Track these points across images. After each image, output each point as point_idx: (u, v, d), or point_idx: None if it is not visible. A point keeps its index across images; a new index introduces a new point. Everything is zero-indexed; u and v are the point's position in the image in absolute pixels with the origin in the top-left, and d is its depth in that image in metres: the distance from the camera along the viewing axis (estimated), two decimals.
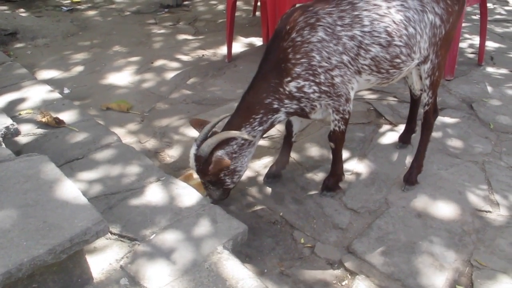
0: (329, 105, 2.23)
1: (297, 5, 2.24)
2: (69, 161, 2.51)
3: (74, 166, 2.47)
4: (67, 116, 2.90)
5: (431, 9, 2.20)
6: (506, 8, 5.81)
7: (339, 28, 2.11)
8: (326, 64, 2.11)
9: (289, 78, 2.14)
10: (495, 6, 5.86)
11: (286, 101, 2.20)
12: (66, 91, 3.67)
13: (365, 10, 2.13)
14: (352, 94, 2.25)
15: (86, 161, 2.52)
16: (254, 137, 2.25)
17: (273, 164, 2.64)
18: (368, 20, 2.12)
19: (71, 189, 1.85)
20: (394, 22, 2.13)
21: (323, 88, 2.15)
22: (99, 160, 2.52)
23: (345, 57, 2.13)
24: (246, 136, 2.20)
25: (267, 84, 2.18)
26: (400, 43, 2.15)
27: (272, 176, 2.62)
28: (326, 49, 2.10)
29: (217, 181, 2.29)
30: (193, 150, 2.23)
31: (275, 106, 2.21)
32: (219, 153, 2.19)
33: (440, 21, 2.23)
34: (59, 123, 2.80)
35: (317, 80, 2.13)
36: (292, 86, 2.15)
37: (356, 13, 2.12)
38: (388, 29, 2.12)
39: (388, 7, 2.15)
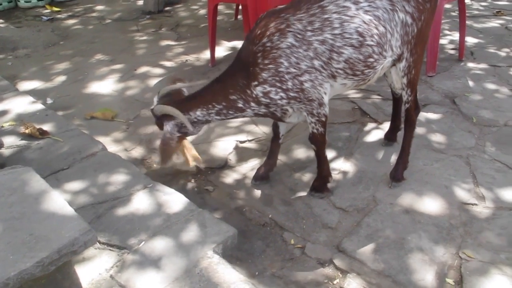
0: (301, 108, 2.24)
1: (270, 10, 2.22)
2: (54, 172, 2.49)
3: (60, 177, 2.45)
4: (51, 127, 2.87)
5: (401, 8, 2.20)
6: (483, 4, 5.89)
7: (309, 33, 2.10)
8: (294, 70, 2.11)
9: (256, 82, 2.15)
10: (472, 2, 5.94)
11: (253, 104, 2.22)
12: (49, 101, 3.63)
13: (335, 12, 2.12)
14: (326, 98, 2.24)
15: (72, 171, 2.50)
16: (208, 121, 2.32)
17: (261, 166, 2.65)
18: (338, 22, 2.11)
19: (57, 200, 1.83)
20: (364, 22, 2.13)
21: (291, 94, 2.15)
22: (85, 169, 2.50)
23: (316, 62, 2.12)
24: (188, 126, 2.22)
25: (235, 83, 2.21)
26: (372, 43, 2.15)
27: (260, 179, 2.62)
28: (295, 54, 2.09)
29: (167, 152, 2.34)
30: (154, 100, 2.32)
31: (240, 105, 2.24)
32: (168, 127, 2.26)
33: (411, 19, 2.24)
34: (43, 134, 2.78)
35: (284, 87, 2.13)
36: (258, 91, 2.16)
37: (326, 16, 2.12)
38: (359, 29, 2.12)
39: (357, 8, 2.14)
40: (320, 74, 2.15)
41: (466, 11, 4.06)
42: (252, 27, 2.22)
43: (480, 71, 3.94)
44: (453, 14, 5.36)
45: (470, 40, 4.57)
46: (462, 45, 4.10)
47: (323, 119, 2.29)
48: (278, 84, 2.13)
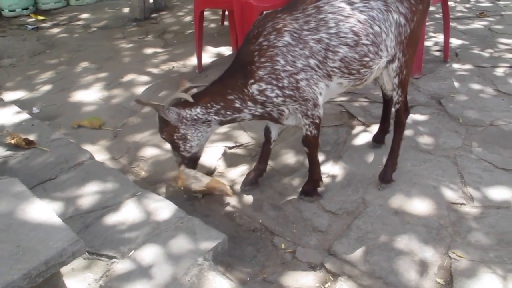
0: (296, 109, 2.26)
1: (265, 12, 2.28)
2: (41, 182, 2.46)
3: (47, 187, 2.43)
4: (37, 136, 2.85)
5: (396, 9, 2.24)
6: (467, 5, 5.97)
7: (305, 32, 2.15)
8: (290, 68, 2.15)
9: (252, 80, 2.19)
10: (456, 4, 6.01)
11: (250, 103, 2.26)
12: (35, 111, 3.60)
13: (330, 12, 2.17)
14: (320, 99, 2.27)
15: (59, 181, 2.47)
16: (208, 122, 2.36)
17: (250, 172, 2.65)
18: (334, 22, 2.15)
19: (44, 211, 1.81)
20: (360, 22, 2.17)
21: (287, 92, 2.18)
22: (72, 179, 2.47)
23: (312, 61, 2.16)
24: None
25: (234, 82, 2.25)
26: (367, 42, 2.19)
27: (250, 184, 2.62)
28: (292, 53, 2.14)
29: (173, 143, 2.44)
30: (163, 92, 2.46)
31: (237, 105, 2.27)
32: (171, 108, 2.33)
33: (404, 20, 2.27)
34: (29, 144, 2.75)
35: (280, 84, 2.17)
36: (254, 89, 2.19)
37: (321, 16, 2.16)
38: (354, 28, 2.16)
39: (352, 9, 2.19)
40: (315, 73, 2.18)
41: (450, 13, 4.11)
42: (249, 29, 2.27)
43: (465, 72, 3.98)
44: (437, 16, 5.42)
45: (454, 42, 4.62)
46: (447, 46, 4.15)
47: (317, 121, 2.30)
48: (274, 82, 2.16)
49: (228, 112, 2.31)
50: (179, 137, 2.40)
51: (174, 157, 2.57)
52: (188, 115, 2.34)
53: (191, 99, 2.30)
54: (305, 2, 2.21)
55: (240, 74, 2.23)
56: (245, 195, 2.59)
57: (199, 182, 2.48)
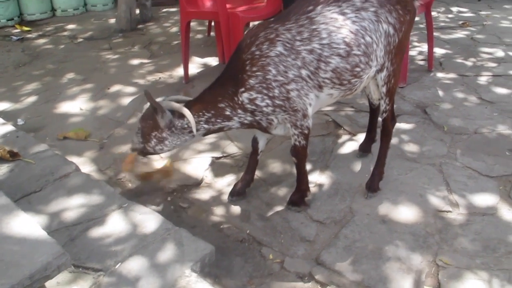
0: (286, 119, 2.26)
1: (257, 22, 2.28)
2: (26, 194, 2.43)
3: (32, 200, 2.40)
4: (22, 148, 2.81)
5: (385, 19, 2.27)
6: (449, 16, 6.07)
7: (298, 43, 2.16)
8: (281, 78, 2.15)
9: (243, 89, 2.19)
10: (439, 14, 6.11)
11: (240, 111, 2.25)
12: (20, 122, 3.56)
13: (323, 23, 2.18)
14: (310, 110, 2.28)
15: (45, 193, 2.45)
16: (197, 131, 2.31)
17: (238, 182, 2.64)
18: (326, 33, 2.17)
19: (29, 224, 1.79)
20: (352, 32, 2.19)
21: (277, 102, 2.19)
22: (58, 191, 2.45)
23: (303, 71, 2.17)
24: (193, 126, 2.25)
25: (225, 91, 2.25)
26: (359, 52, 2.21)
27: (237, 194, 2.61)
28: (284, 63, 2.15)
29: (146, 135, 2.33)
30: (158, 99, 2.32)
31: (227, 113, 2.27)
32: (167, 113, 2.27)
33: (393, 30, 2.30)
34: (13, 156, 2.71)
35: (270, 94, 2.17)
36: (244, 97, 2.19)
37: (314, 27, 2.18)
38: (346, 39, 2.18)
39: (344, 19, 2.21)
40: (306, 84, 2.19)
41: (433, 23, 4.17)
42: (236, 39, 2.27)
43: (449, 80, 4.04)
44: (421, 26, 5.49)
45: (438, 51, 4.69)
46: (431, 56, 4.21)
47: (306, 131, 2.31)
48: (265, 91, 2.17)
49: (218, 120, 2.30)
50: (157, 137, 2.32)
51: (133, 142, 2.44)
52: (179, 124, 2.30)
53: (186, 111, 2.24)
54: (298, 12, 2.22)
55: (231, 82, 2.23)
56: (232, 206, 2.59)
57: (147, 166, 2.48)
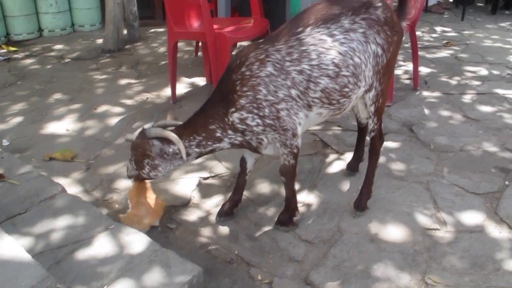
0: (276, 139, 2.27)
1: (244, 43, 2.31)
2: (11, 217, 2.39)
3: (17, 222, 2.36)
4: (7, 170, 2.78)
5: (373, 40, 2.31)
6: (434, 35, 6.18)
7: (288, 63, 2.19)
8: (272, 98, 2.18)
9: (233, 109, 2.21)
10: (423, 34, 6.22)
11: (230, 131, 2.27)
12: (5, 143, 3.53)
13: (312, 44, 2.21)
14: (299, 129, 2.30)
15: (30, 215, 2.41)
16: (188, 155, 2.32)
17: (226, 202, 2.63)
18: (315, 54, 2.20)
19: (13, 247, 1.76)
20: (340, 54, 2.23)
21: (267, 121, 2.20)
22: (43, 213, 2.41)
23: (293, 91, 2.20)
24: (182, 151, 2.26)
25: (215, 112, 2.26)
26: (347, 73, 2.25)
27: (225, 215, 2.60)
28: (274, 83, 2.17)
29: (139, 162, 2.34)
30: (146, 126, 2.34)
31: (218, 134, 2.28)
32: (156, 142, 2.28)
33: (381, 50, 2.34)
34: None
35: (261, 114, 2.19)
36: (235, 117, 2.21)
37: (303, 48, 2.21)
38: (335, 60, 2.21)
39: (333, 40, 2.24)
40: (296, 103, 2.22)
41: (418, 42, 4.25)
42: (223, 60, 2.29)
43: (434, 99, 4.09)
44: (406, 45, 5.58)
45: (423, 70, 4.76)
46: (416, 75, 4.27)
47: (295, 151, 2.32)
48: (255, 111, 2.19)
49: (209, 143, 2.31)
50: (150, 164, 2.33)
51: (128, 169, 2.45)
52: (170, 150, 2.30)
53: (175, 138, 2.26)
54: (287, 34, 2.25)
55: (222, 103, 2.25)
56: (220, 226, 2.57)
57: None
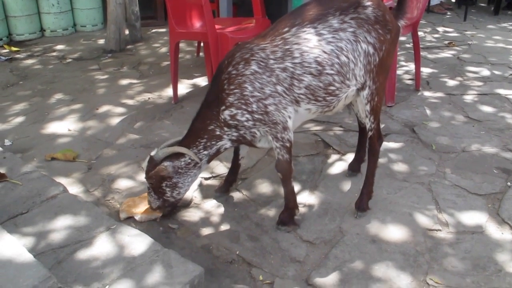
0: (267, 132, 2.34)
1: (238, 43, 2.42)
2: (12, 216, 2.40)
3: (19, 222, 2.36)
4: (9, 170, 2.78)
5: (364, 39, 2.32)
6: (436, 36, 6.17)
7: (272, 61, 2.26)
8: (258, 94, 2.25)
9: (223, 107, 2.31)
10: (425, 34, 6.22)
11: (226, 128, 2.37)
12: (7, 143, 3.53)
13: (296, 43, 2.28)
14: (290, 122, 2.34)
15: (31, 215, 2.41)
16: (200, 160, 2.42)
17: (222, 182, 2.85)
18: (298, 52, 2.26)
19: (14, 247, 1.76)
20: (325, 52, 2.26)
21: (256, 116, 2.28)
22: (45, 213, 2.42)
23: (279, 87, 2.26)
24: (193, 156, 2.38)
25: (211, 112, 2.37)
26: (332, 72, 2.28)
27: (220, 191, 2.81)
28: (259, 80, 2.25)
29: (158, 189, 2.47)
30: (152, 153, 2.46)
31: (218, 133, 2.39)
32: (166, 163, 2.40)
33: (373, 49, 2.35)
34: (0, 177, 2.68)
35: (249, 109, 2.27)
36: (226, 114, 2.31)
37: (287, 47, 2.27)
38: (318, 59, 2.26)
39: (319, 40, 2.28)
40: (283, 98, 2.29)
41: (420, 43, 4.24)
42: (220, 61, 2.37)
43: (436, 99, 4.09)
44: (408, 46, 5.59)
45: (425, 71, 4.76)
46: (418, 75, 4.26)
47: (288, 144, 2.35)
48: (244, 107, 2.27)
49: (213, 142, 2.41)
50: (169, 186, 2.45)
51: (150, 203, 2.54)
52: (182, 163, 2.42)
53: (183, 148, 2.38)
54: (273, 34, 2.31)
55: (214, 103, 2.35)
56: (222, 227, 2.57)
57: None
